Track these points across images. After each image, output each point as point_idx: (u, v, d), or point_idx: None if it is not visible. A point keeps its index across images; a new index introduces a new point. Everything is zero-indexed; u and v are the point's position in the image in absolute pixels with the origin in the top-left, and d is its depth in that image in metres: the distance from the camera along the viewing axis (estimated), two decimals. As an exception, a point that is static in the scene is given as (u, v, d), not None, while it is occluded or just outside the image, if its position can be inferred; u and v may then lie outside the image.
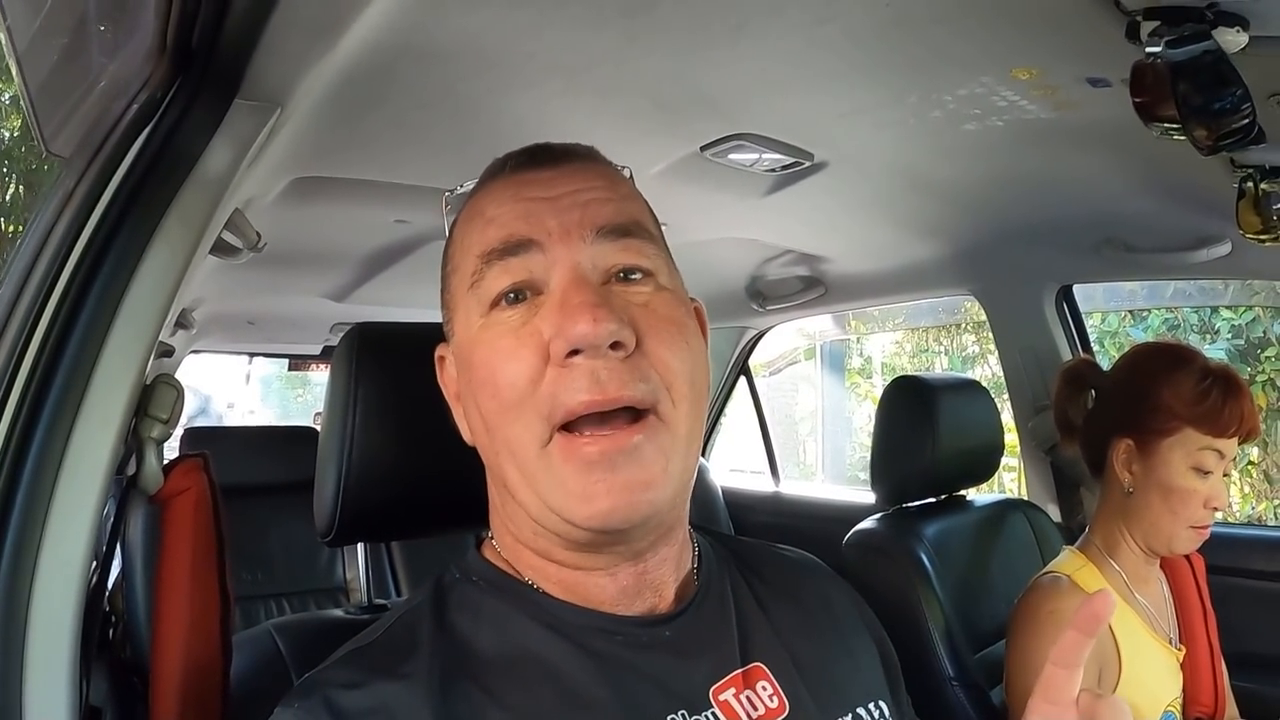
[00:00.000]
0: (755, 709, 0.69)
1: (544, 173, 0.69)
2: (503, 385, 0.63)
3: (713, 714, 0.67)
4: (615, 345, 0.62)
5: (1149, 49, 0.84)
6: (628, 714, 0.65)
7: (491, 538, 0.75)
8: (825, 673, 0.74)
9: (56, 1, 0.82)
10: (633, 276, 0.66)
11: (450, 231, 0.74)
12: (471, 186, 0.74)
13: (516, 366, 0.63)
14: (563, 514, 0.63)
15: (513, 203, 0.67)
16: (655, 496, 0.63)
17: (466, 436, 0.72)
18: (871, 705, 0.75)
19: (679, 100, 1.36)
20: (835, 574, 0.88)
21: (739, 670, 0.70)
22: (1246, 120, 0.85)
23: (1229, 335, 3.88)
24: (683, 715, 0.66)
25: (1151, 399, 1.28)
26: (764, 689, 0.70)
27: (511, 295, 0.65)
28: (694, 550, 0.76)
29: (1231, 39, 0.82)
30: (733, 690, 0.69)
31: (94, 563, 0.88)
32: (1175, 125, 0.89)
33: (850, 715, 0.73)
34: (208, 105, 0.85)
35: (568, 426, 0.62)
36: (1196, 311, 3.87)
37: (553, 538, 0.67)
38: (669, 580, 0.71)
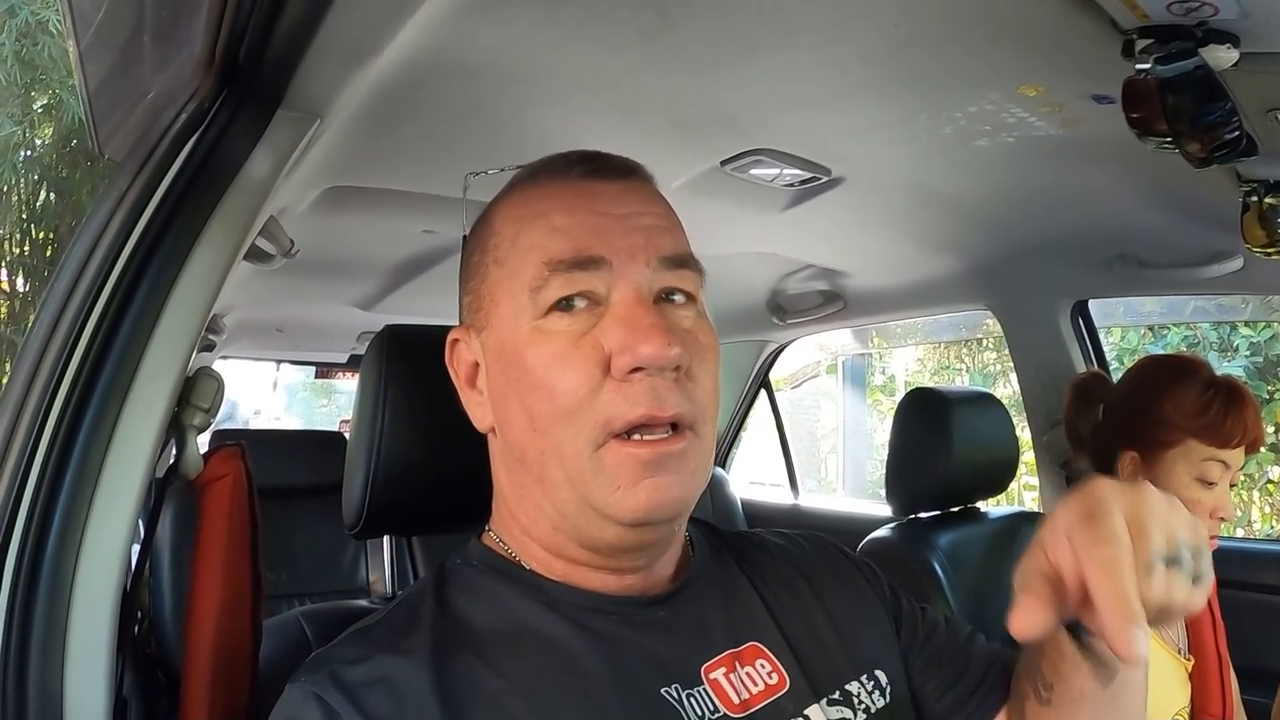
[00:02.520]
0: (754, 685, 0.72)
1: (610, 186, 0.72)
2: (561, 392, 0.67)
3: (704, 690, 0.70)
4: (675, 367, 0.67)
5: (1138, 65, 0.87)
6: (623, 685, 0.68)
7: (489, 530, 0.78)
8: (821, 649, 0.77)
9: (111, 15, 0.88)
10: (676, 298, 0.71)
11: (489, 219, 0.75)
12: (505, 173, 0.78)
13: (576, 376, 0.67)
14: (606, 510, 0.67)
15: (584, 214, 0.70)
16: (686, 497, 0.69)
17: (481, 423, 0.75)
18: (864, 677, 0.77)
19: (698, 117, 1.40)
20: (827, 540, 0.90)
21: (731, 650, 0.73)
22: (1236, 133, 0.88)
23: (1248, 353, 3.85)
24: (676, 689, 0.69)
25: (1154, 411, 1.30)
26: (762, 666, 0.73)
27: (573, 303, 0.68)
28: (688, 540, 0.80)
29: (1222, 56, 0.84)
30: (723, 669, 0.72)
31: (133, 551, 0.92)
32: (1169, 140, 0.92)
33: (839, 692, 0.76)
34: (251, 116, 0.90)
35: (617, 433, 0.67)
36: (1216, 329, 3.84)
37: (574, 534, 0.70)
38: (667, 575, 0.76)
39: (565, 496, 0.69)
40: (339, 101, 0.98)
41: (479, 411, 0.75)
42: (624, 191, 0.72)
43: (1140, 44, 0.87)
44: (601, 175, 0.73)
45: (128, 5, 0.83)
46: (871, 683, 0.78)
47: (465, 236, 0.80)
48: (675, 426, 0.67)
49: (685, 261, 0.71)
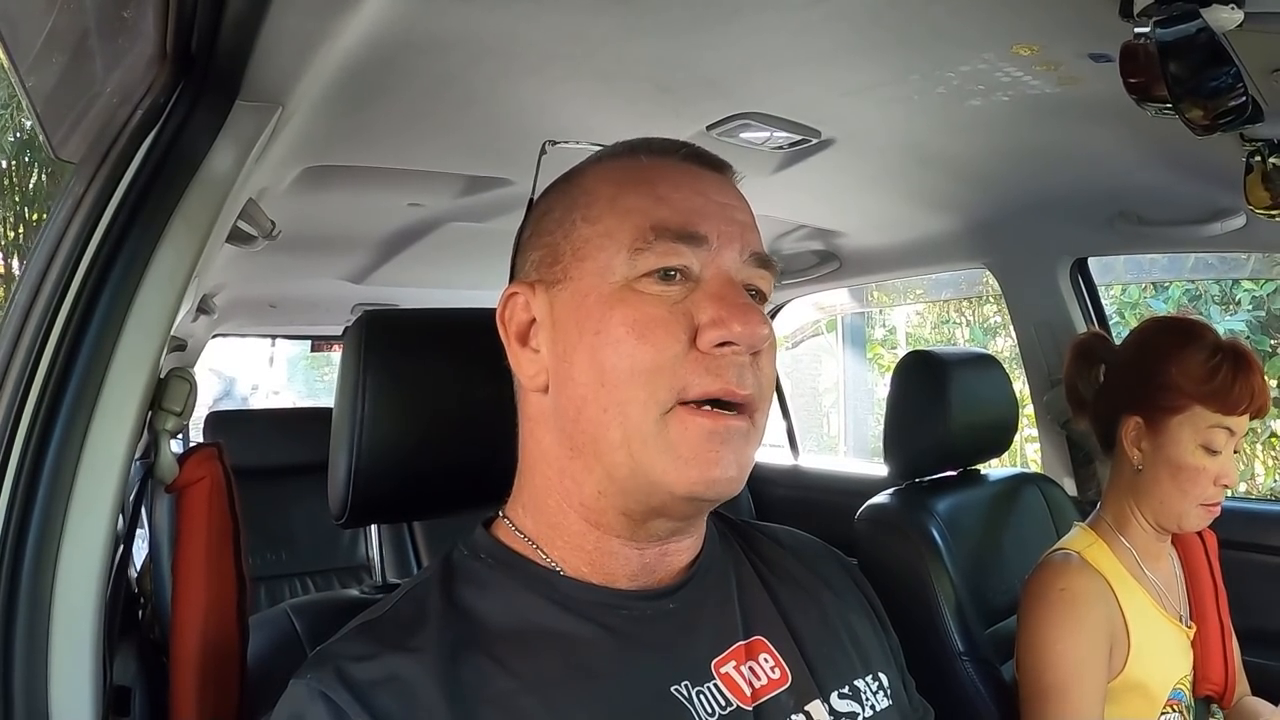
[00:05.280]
0: (758, 679, 0.72)
1: (712, 176, 0.75)
2: (645, 350, 0.67)
3: (715, 685, 0.70)
4: (754, 351, 0.69)
5: (1137, 29, 0.83)
6: (634, 684, 0.69)
7: (504, 515, 0.77)
8: (824, 647, 0.78)
9: (60, 16, 0.84)
10: (751, 294, 0.72)
11: (579, 180, 0.76)
12: (585, 146, 0.79)
13: (666, 339, 0.67)
14: (661, 479, 0.67)
15: (689, 192, 0.71)
16: (739, 478, 0.68)
17: (532, 380, 0.73)
18: (870, 678, 0.79)
19: (681, 83, 1.35)
20: (836, 553, 0.91)
21: (741, 642, 0.74)
22: (1241, 99, 0.84)
23: (1250, 306, 3.80)
24: (686, 685, 0.69)
25: (1160, 377, 1.27)
26: (765, 660, 0.74)
27: (671, 273, 0.69)
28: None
29: (1226, 17, 0.79)
30: (734, 663, 0.72)
31: (118, 546, 0.91)
32: (1170, 105, 0.88)
33: (848, 687, 0.76)
34: (210, 108, 0.87)
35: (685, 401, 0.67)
36: (1218, 282, 3.80)
37: (619, 499, 0.69)
38: (683, 563, 0.76)
39: (619, 460, 0.68)
40: (301, 87, 0.94)
41: (531, 369, 0.73)
42: (723, 184, 0.75)
43: (1139, 4, 0.82)
44: (703, 163, 0.75)
45: (72, 7, 0.80)
46: (876, 683, 0.79)
47: (532, 199, 0.80)
48: (741, 409, 0.68)
49: (768, 263, 0.73)
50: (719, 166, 0.76)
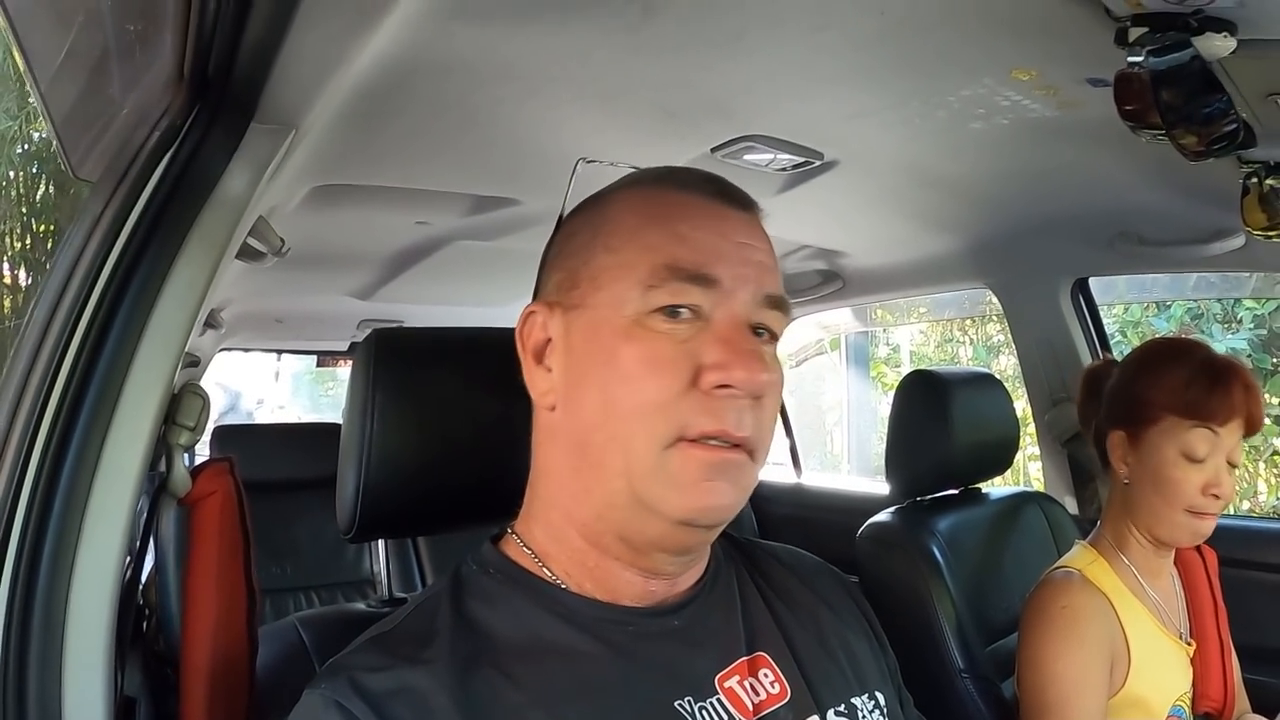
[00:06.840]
0: (758, 694, 0.73)
1: (735, 214, 0.74)
2: (652, 387, 0.68)
3: (718, 700, 0.71)
4: (756, 395, 0.69)
5: (1130, 58, 0.85)
6: (638, 698, 0.69)
7: (512, 531, 0.78)
8: (822, 664, 0.78)
9: (79, 36, 0.86)
10: (761, 334, 0.73)
11: (604, 208, 0.76)
12: (620, 166, 0.80)
13: (667, 379, 0.68)
14: (658, 506, 0.68)
15: (708, 234, 0.72)
16: (734, 507, 0.70)
17: (543, 399, 0.74)
18: (866, 697, 0.79)
19: (686, 105, 1.38)
20: (837, 572, 0.92)
21: (744, 658, 0.75)
22: (1233, 126, 0.85)
23: (1251, 325, 3.81)
24: (689, 700, 0.70)
25: (1134, 390, 1.29)
26: (765, 676, 0.75)
27: (679, 311, 0.70)
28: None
29: (1219, 44, 0.81)
30: (737, 678, 0.73)
31: (128, 558, 0.92)
32: (1164, 132, 0.90)
33: (844, 705, 0.77)
34: (225, 130, 0.89)
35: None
36: (1220, 301, 3.81)
37: (616, 526, 0.71)
38: (687, 585, 0.77)
39: (618, 487, 0.69)
40: (315, 110, 0.96)
41: (543, 386, 0.74)
42: (746, 223, 0.75)
43: (1134, 33, 0.84)
44: (728, 201, 0.75)
45: (91, 29, 0.82)
46: (872, 702, 0.79)
47: (562, 216, 0.79)
48: (737, 446, 0.69)
49: (781, 304, 0.74)
50: (746, 204, 0.76)
